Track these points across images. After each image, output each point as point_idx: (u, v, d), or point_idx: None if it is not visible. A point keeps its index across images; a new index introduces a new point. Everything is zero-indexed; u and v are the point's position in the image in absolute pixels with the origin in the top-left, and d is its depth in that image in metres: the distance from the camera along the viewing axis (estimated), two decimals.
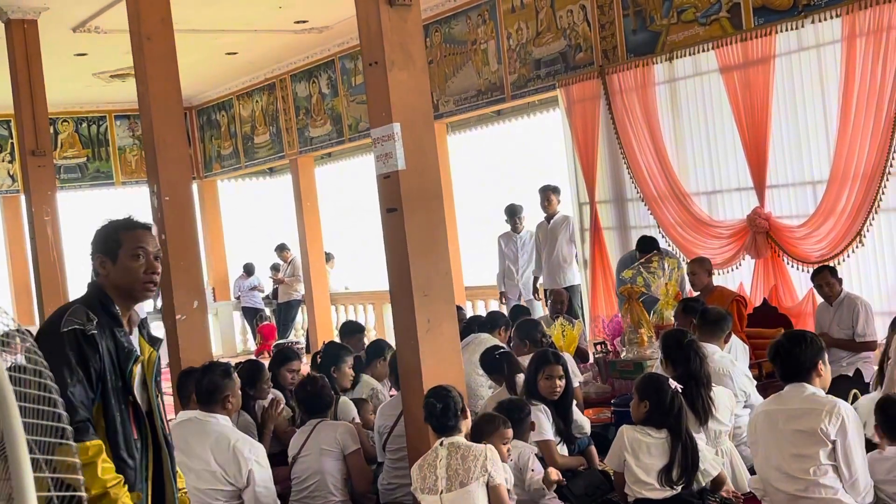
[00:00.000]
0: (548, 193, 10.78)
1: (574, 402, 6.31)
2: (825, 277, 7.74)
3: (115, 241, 3.40)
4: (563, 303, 9.70)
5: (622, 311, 7.97)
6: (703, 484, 5.20)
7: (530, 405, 5.74)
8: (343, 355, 7.00)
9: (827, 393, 4.64)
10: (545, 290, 10.80)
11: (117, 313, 3.36)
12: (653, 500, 5.09)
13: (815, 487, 4.40)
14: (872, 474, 4.56)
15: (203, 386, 5.17)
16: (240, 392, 5.32)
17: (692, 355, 5.68)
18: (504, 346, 7.45)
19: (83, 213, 18.54)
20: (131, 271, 3.36)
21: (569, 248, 10.70)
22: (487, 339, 7.62)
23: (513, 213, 11.39)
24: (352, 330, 8.85)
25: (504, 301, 11.46)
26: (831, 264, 7.98)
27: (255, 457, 5.02)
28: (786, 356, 4.60)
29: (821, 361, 4.58)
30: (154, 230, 3.51)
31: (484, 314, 10.69)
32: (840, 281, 7.76)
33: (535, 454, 5.53)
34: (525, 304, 10.78)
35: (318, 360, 7.28)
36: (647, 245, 9.03)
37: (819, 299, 7.99)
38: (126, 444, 3.22)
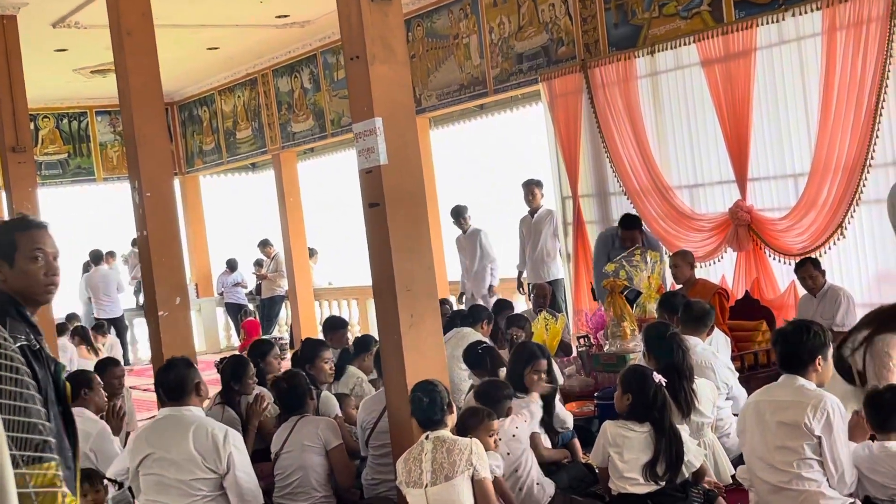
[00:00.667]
0: (531, 187, 10.79)
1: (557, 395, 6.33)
2: (808, 270, 7.78)
3: (9, 243, 3.20)
4: (546, 297, 9.72)
5: (605, 304, 7.99)
6: (686, 476, 5.22)
7: (517, 396, 5.76)
8: (319, 351, 6.99)
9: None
10: (529, 285, 10.82)
11: (34, 321, 3.20)
12: (637, 495, 5.10)
13: (798, 480, 4.39)
14: (856, 464, 4.57)
15: (171, 382, 5.14)
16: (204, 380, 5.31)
17: (675, 348, 5.70)
18: (486, 340, 7.46)
19: (65, 209, 18.48)
20: (30, 274, 3.18)
21: (552, 242, 10.73)
22: (470, 334, 7.64)
23: (456, 213, 11.52)
24: (335, 325, 8.84)
25: (461, 300, 11.60)
26: (813, 256, 8.02)
27: (234, 441, 5.01)
28: (785, 345, 4.56)
29: (821, 356, 4.51)
30: (50, 229, 3.30)
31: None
32: (823, 273, 7.80)
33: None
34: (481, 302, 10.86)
35: (298, 356, 7.28)
36: (630, 223, 9.08)
37: (802, 291, 8.03)
38: (64, 456, 3.08)
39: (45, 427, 2.74)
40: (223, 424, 5.20)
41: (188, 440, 4.93)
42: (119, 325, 15.63)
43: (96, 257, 15.89)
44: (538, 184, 10.80)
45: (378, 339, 6.08)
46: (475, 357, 6.74)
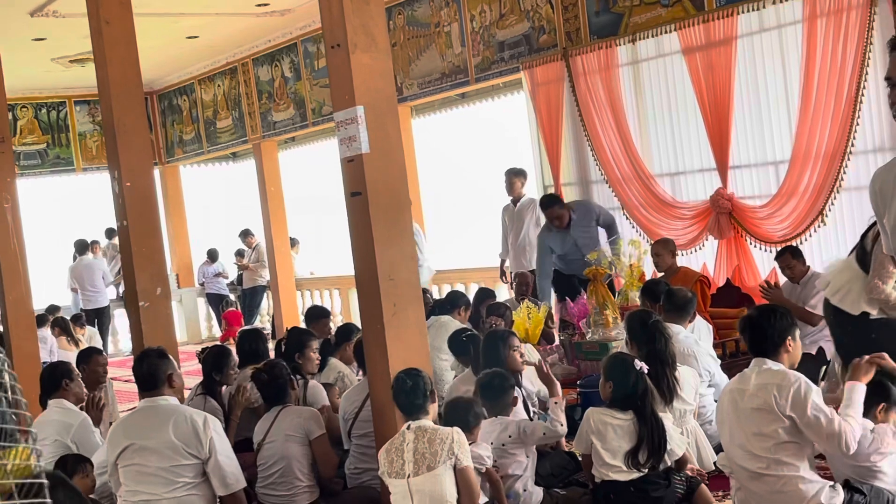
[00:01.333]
0: (511, 178, 10.76)
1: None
2: (786, 260, 7.79)
3: None
4: (529, 285, 9.73)
5: (587, 292, 8.00)
6: (669, 464, 5.24)
7: None
8: (307, 340, 6.97)
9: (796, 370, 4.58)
10: (511, 273, 10.83)
11: None
12: (620, 482, 5.12)
13: (776, 465, 4.36)
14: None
15: (143, 372, 5.12)
16: (181, 372, 5.28)
17: (657, 335, 5.71)
18: (467, 326, 7.45)
19: (44, 200, 18.38)
20: None
21: (535, 231, 10.71)
22: (449, 322, 7.62)
23: None
24: (317, 314, 8.81)
25: None
26: (794, 244, 8.04)
27: (214, 426, 4.99)
28: (752, 330, 4.55)
29: (790, 337, 4.50)
30: None
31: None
32: (803, 262, 7.80)
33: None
34: None
35: (283, 346, 7.22)
36: (546, 202, 9.27)
37: (783, 278, 8.05)
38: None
39: (15, 416, 2.70)
40: (201, 411, 5.18)
41: (167, 429, 4.89)
42: (104, 316, 15.52)
43: (81, 247, 15.75)
44: (518, 173, 10.77)
45: (360, 328, 6.06)
46: (459, 344, 6.75)
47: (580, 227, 9.17)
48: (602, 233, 9.40)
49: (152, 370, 5.09)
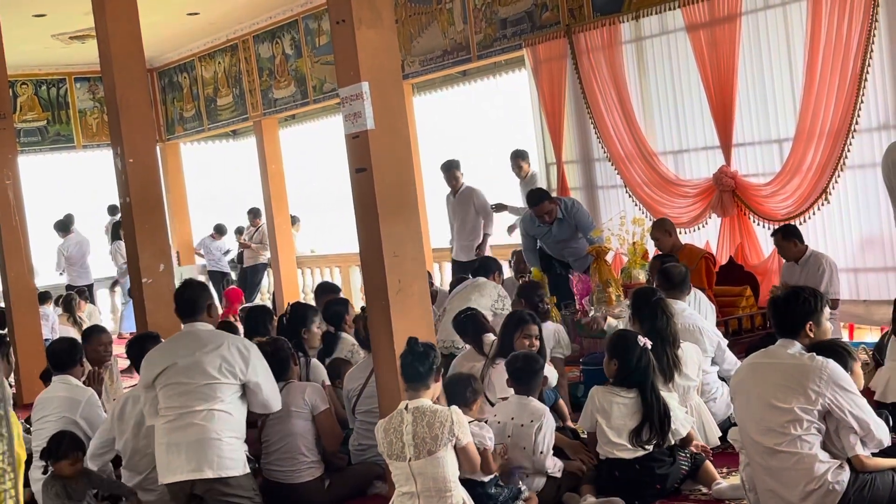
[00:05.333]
0: (518, 161, 10.79)
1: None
2: (778, 240, 7.76)
3: None
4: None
5: (591, 270, 7.99)
6: (674, 441, 5.25)
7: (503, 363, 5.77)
8: (310, 316, 6.97)
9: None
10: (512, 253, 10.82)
11: None
12: (625, 460, 5.13)
13: (794, 442, 4.33)
14: None
15: (185, 298, 5.38)
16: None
17: (659, 313, 5.71)
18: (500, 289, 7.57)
19: (44, 177, 18.34)
20: None
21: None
22: (486, 284, 7.79)
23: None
24: (327, 289, 8.82)
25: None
26: (797, 222, 8.02)
27: (255, 351, 5.27)
28: (775, 311, 4.58)
29: (812, 322, 4.47)
30: None
31: (449, 276, 10.84)
32: (797, 241, 7.73)
33: None
34: None
35: (285, 321, 7.20)
36: (533, 199, 9.11)
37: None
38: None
39: None
40: (242, 337, 5.51)
41: (211, 348, 5.13)
42: (91, 294, 15.42)
43: (65, 226, 15.55)
44: (522, 155, 10.80)
45: (365, 304, 6.06)
46: (459, 323, 6.75)
47: (564, 229, 9.06)
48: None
49: (194, 297, 5.36)
